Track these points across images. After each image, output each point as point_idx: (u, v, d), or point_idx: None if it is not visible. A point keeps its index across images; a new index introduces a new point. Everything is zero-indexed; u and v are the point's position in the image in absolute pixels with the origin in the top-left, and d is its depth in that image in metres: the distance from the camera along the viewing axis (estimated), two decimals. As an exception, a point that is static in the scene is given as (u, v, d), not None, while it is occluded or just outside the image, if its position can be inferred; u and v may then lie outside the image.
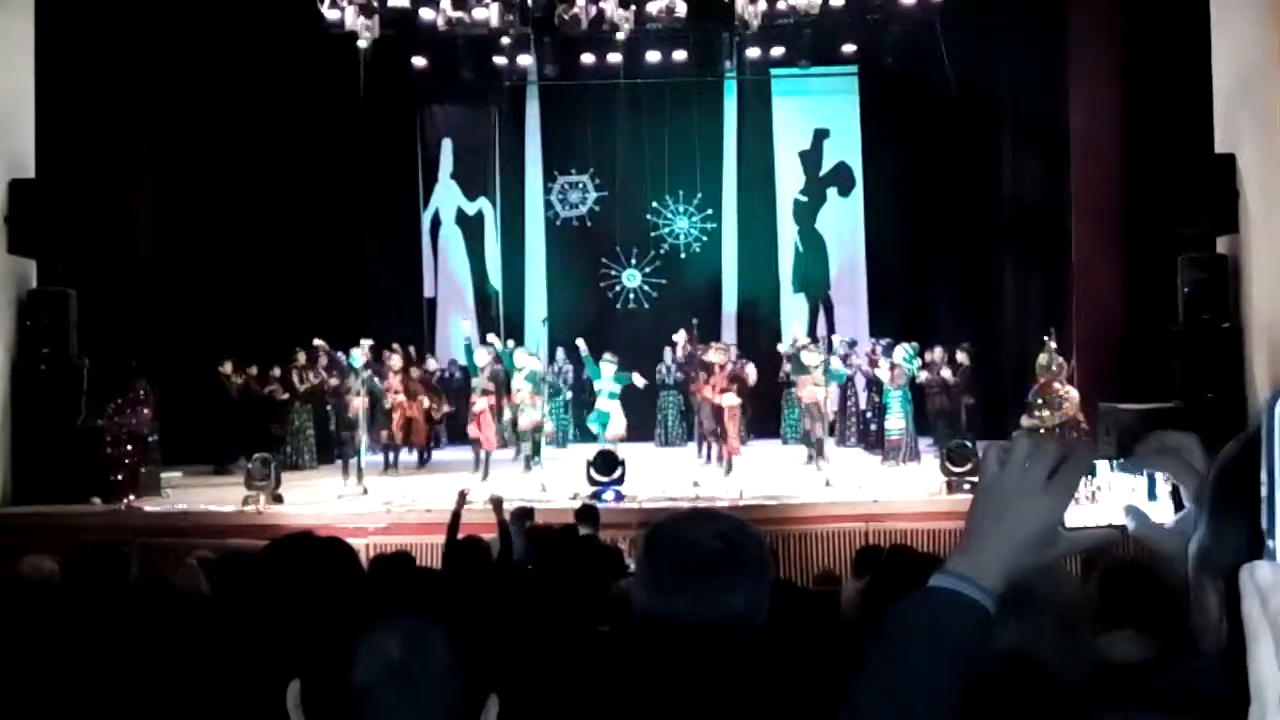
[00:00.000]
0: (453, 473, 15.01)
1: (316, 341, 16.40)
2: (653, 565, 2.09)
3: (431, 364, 17.58)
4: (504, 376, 15.56)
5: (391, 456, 16.13)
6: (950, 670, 1.28)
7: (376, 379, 15.17)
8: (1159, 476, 1.32)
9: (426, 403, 16.36)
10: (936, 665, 1.28)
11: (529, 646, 4.34)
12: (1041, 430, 12.93)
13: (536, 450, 15.12)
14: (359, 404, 14.50)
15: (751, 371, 16.28)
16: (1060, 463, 1.32)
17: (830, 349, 16.21)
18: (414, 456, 16.63)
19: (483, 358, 15.57)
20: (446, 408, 16.91)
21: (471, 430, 15.29)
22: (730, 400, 15.29)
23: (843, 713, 1.30)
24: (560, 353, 18.16)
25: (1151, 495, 1.33)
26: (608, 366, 15.19)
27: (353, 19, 15.87)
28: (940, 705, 1.27)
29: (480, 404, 15.24)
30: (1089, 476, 1.34)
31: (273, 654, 1.98)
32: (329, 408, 16.76)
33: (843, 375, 16.04)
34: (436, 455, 17.14)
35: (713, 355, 15.61)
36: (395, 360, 16.07)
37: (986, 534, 1.32)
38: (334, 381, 16.44)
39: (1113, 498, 1.35)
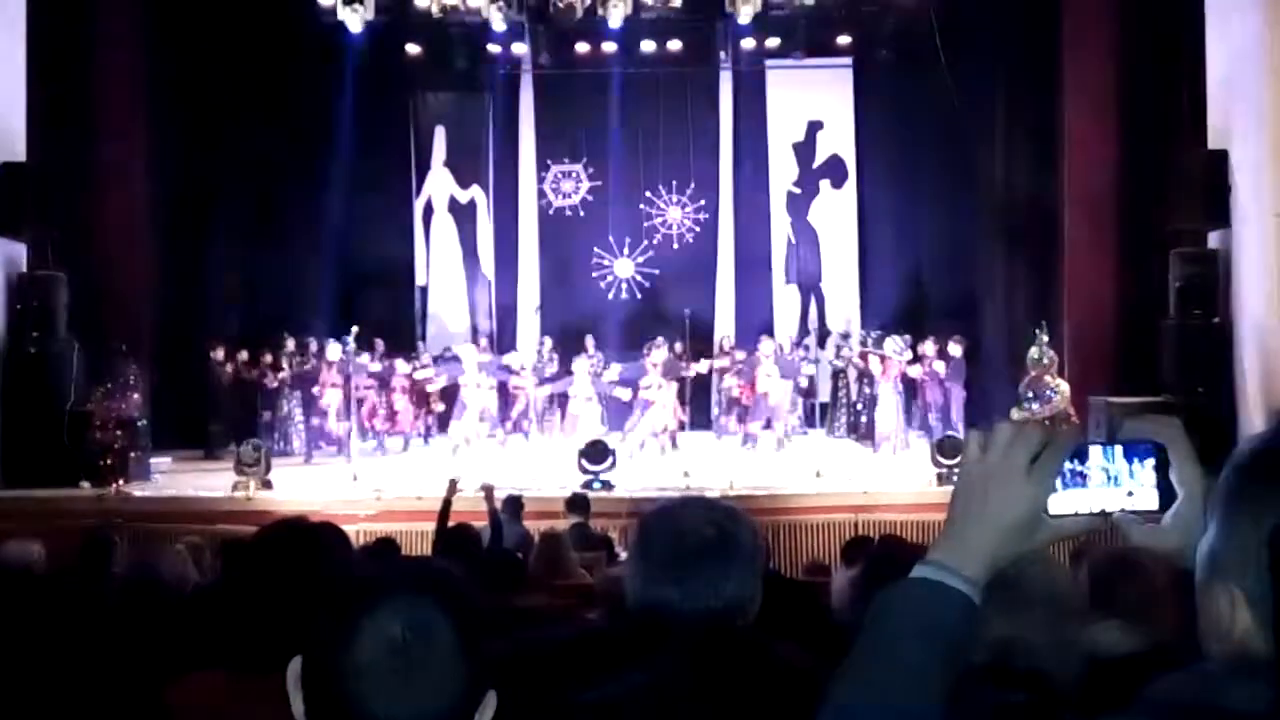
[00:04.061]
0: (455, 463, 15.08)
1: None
2: (645, 552, 2.10)
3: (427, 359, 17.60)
4: None
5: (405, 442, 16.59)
6: (936, 661, 1.26)
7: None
8: (1148, 464, 1.29)
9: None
10: (921, 656, 1.25)
11: (518, 635, 4.34)
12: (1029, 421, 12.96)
13: None
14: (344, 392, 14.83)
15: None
16: (1043, 449, 1.30)
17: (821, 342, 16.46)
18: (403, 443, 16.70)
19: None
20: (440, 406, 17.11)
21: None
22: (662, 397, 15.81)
23: (828, 705, 1.28)
24: (547, 342, 18.16)
25: (1137, 477, 1.30)
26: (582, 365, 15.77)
27: (345, 7, 15.84)
28: (926, 696, 1.25)
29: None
30: (1078, 461, 1.30)
31: (268, 635, 1.98)
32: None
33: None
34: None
35: (655, 354, 15.97)
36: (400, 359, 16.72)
37: (969, 522, 1.30)
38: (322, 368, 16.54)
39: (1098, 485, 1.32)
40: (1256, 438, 1.18)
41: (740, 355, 16.98)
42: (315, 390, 15.34)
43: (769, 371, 15.73)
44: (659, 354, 15.90)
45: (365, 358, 16.24)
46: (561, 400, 16.74)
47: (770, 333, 18.22)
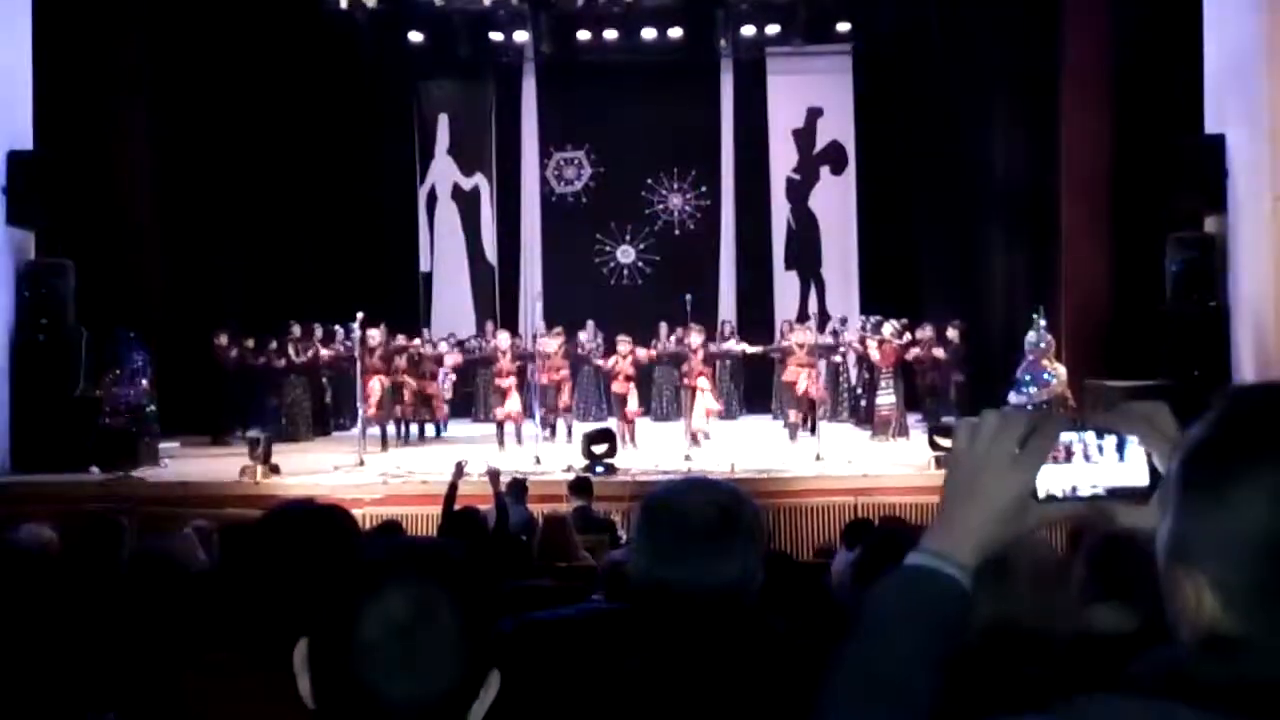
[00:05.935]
0: (457, 445, 15.19)
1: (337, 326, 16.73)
2: (648, 533, 2.11)
3: (443, 346, 17.65)
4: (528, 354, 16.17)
5: (403, 429, 16.56)
6: (929, 646, 1.28)
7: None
8: (1131, 439, 1.31)
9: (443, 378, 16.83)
10: (915, 641, 1.28)
11: (522, 615, 4.43)
12: (1029, 407, 13.03)
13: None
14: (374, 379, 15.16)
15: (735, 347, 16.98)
16: (1029, 434, 1.31)
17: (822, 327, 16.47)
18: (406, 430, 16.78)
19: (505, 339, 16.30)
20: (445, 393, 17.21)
21: (500, 410, 15.73)
22: (703, 384, 15.59)
23: (824, 693, 1.30)
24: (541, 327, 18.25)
25: (1120, 456, 1.31)
26: None
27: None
28: (920, 683, 1.27)
29: (507, 381, 15.72)
30: (1066, 443, 1.32)
31: (276, 617, 2.02)
32: (324, 380, 16.88)
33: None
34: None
35: (692, 338, 15.73)
36: (400, 339, 16.66)
37: (959, 509, 1.32)
38: (327, 354, 16.62)
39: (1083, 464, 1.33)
40: (1207, 421, 1.16)
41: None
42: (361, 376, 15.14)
43: (801, 361, 15.56)
44: (696, 338, 15.67)
45: (403, 340, 16.54)
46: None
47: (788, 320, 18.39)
